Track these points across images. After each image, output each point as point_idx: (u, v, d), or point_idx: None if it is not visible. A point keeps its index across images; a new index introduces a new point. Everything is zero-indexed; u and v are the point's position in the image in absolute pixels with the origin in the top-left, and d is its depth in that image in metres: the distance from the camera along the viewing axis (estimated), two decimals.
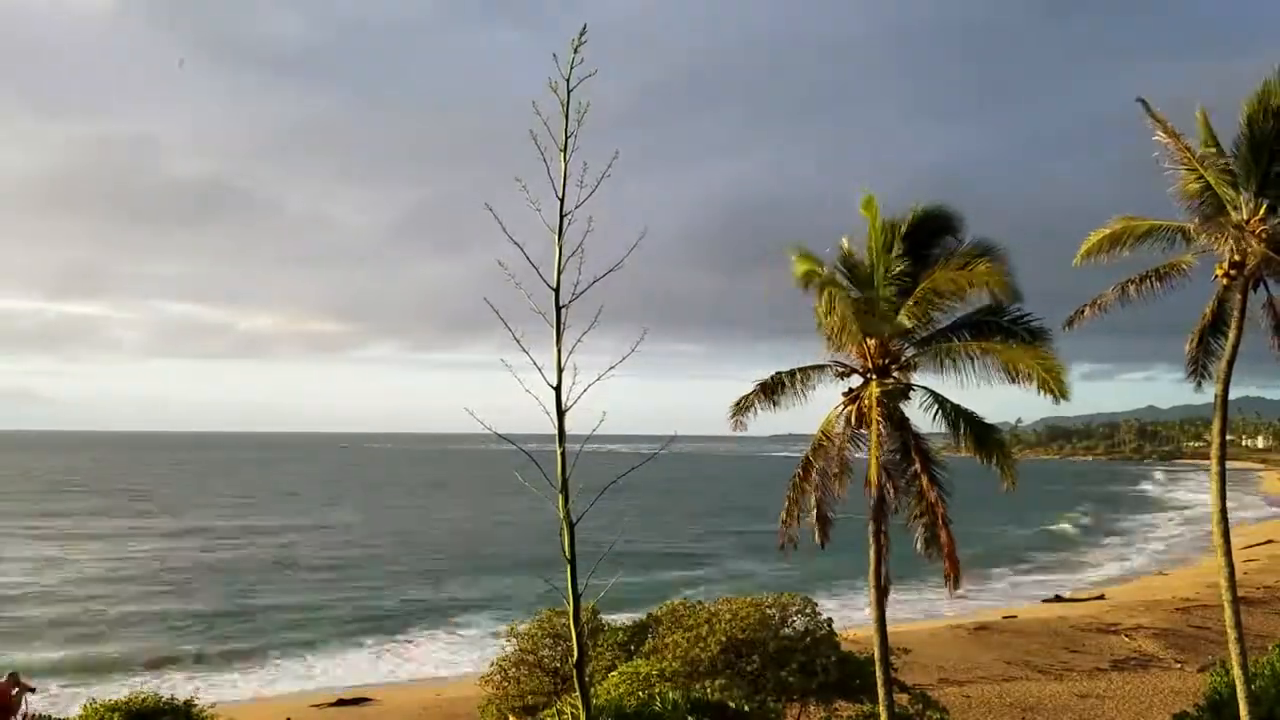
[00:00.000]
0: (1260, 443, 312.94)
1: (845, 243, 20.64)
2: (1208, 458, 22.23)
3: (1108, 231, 20.78)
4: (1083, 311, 21.21)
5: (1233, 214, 19.86)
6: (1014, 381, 18.83)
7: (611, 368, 5.43)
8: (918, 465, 19.59)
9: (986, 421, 19.85)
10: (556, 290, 5.20)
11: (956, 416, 19.71)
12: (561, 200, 5.14)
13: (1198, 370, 21.11)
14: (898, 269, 19.53)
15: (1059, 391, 18.38)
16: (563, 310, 5.20)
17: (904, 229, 19.78)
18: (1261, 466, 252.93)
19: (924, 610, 56.99)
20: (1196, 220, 20.22)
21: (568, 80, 5.13)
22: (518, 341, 5.14)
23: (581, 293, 5.17)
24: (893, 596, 20.73)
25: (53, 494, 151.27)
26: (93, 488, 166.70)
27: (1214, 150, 19.90)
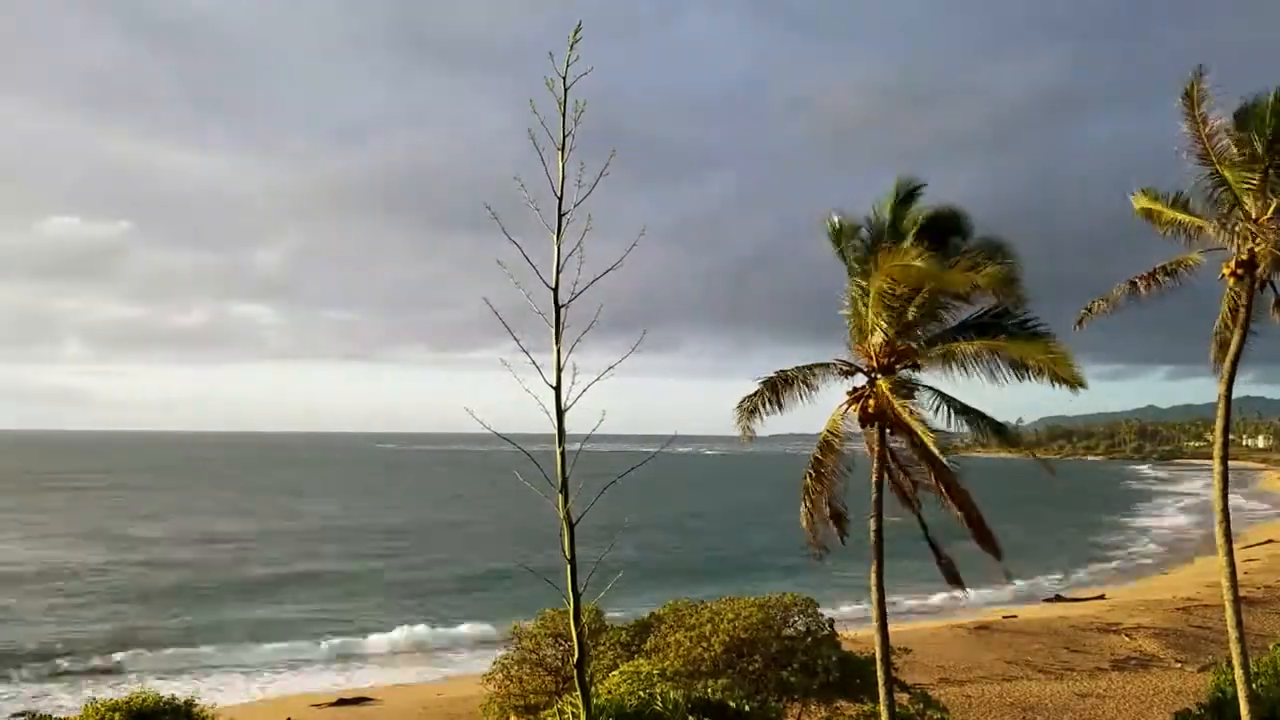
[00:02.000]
0: (1261, 442, 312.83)
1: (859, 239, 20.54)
2: (1208, 458, 22.23)
3: (1143, 204, 20.75)
4: (1092, 309, 21.09)
5: (1248, 211, 19.73)
6: (1023, 378, 18.67)
7: (611, 368, 5.42)
8: (924, 464, 19.59)
9: (995, 419, 19.82)
10: (555, 290, 5.19)
11: (964, 414, 19.66)
12: (560, 199, 5.13)
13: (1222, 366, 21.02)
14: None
15: (1072, 380, 18.12)
16: (562, 310, 5.19)
17: (916, 228, 19.67)
18: (1262, 466, 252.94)
19: (924, 610, 57.02)
20: (1215, 220, 20.10)
21: (564, 78, 5.11)
22: (517, 341, 5.13)
23: (580, 292, 5.16)
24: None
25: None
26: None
27: (1238, 143, 19.71)
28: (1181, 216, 20.39)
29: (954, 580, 20.66)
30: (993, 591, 62.95)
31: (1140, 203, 20.81)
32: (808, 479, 20.06)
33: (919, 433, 18.49)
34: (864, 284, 19.58)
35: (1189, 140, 19.93)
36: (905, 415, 18.61)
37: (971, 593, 59.52)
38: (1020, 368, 18.80)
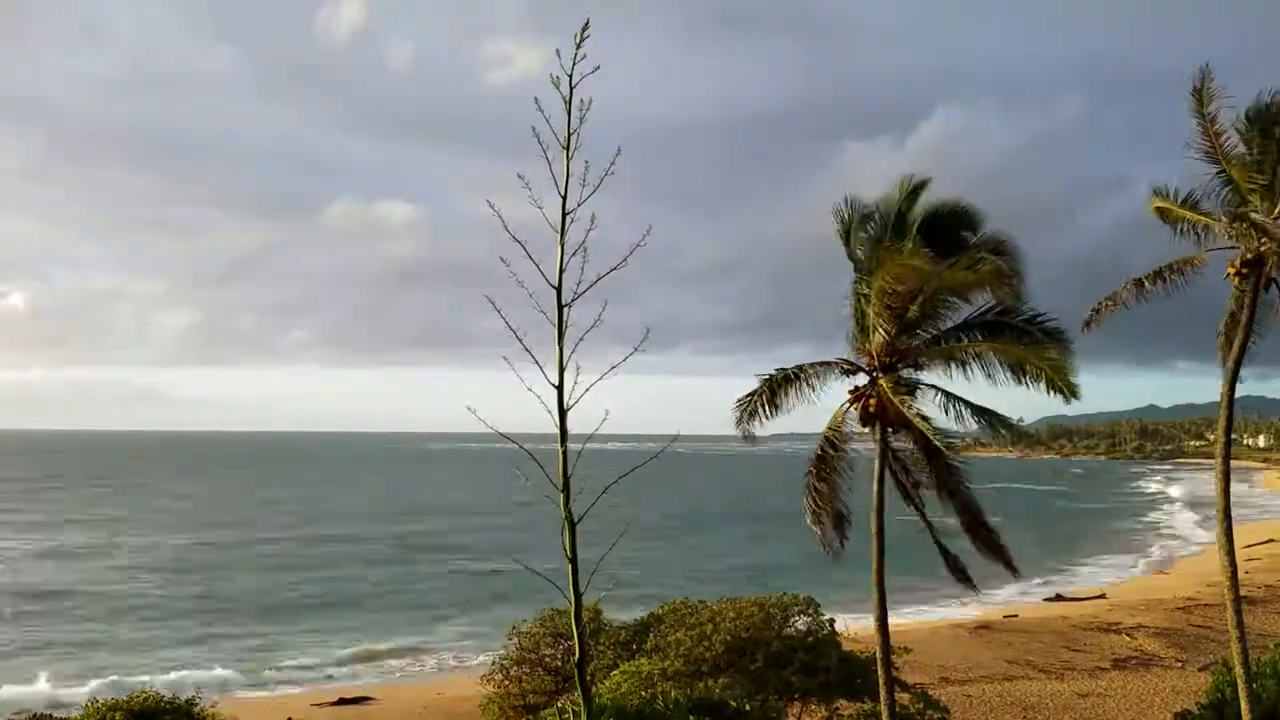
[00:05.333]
0: (1262, 441, 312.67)
1: (862, 234, 20.50)
2: (1209, 457, 22.27)
3: (1156, 204, 20.77)
4: (1099, 310, 21.03)
5: (1257, 208, 19.70)
6: (1020, 381, 18.73)
7: (613, 367, 5.42)
8: (926, 463, 19.59)
9: (1000, 414, 19.82)
10: (559, 289, 5.18)
11: (972, 413, 19.64)
12: (564, 198, 5.12)
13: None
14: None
15: (1068, 391, 18.26)
16: (565, 309, 5.19)
17: (918, 223, 19.62)
18: (1263, 465, 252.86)
19: (925, 609, 57.01)
20: (1224, 219, 20.06)
21: (570, 76, 5.11)
22: (519, 340, 5.12)
23: (583, 292, 5.16)
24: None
25: None
26: None
27: (1245, 145, 19.69)
28: (1190, 215, 20.36)
29: (964, 580, 20.70)
30: (996, 590, 62.96)
31: (1154, 203, 20.78)
32: (811, 478, 20.02)
33: (922, 429, 18.47)
34: (868, 282, 19.56)
35: (1197, 137, 19.93)
36: (907, 413, 18.60)
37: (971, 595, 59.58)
38: (1019, 371, 18.81)
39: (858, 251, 20.24)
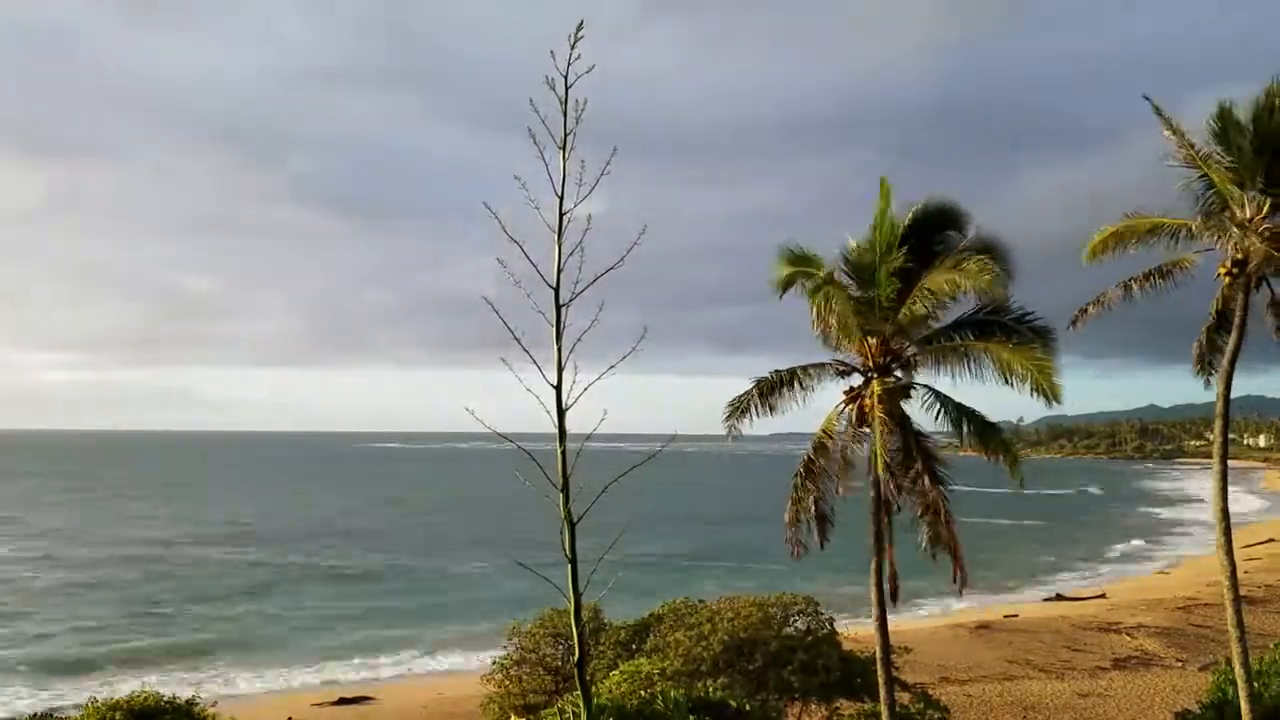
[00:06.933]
0: (1262, 441, 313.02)
1: (852, 241, 20.40)
2: (1209, 457, 22.23)
3: (1112, 230, 20.74)
4: (1086, 310, 21.12)
5: (1236, 212, 19.81)
6: (1008, 382, 18.75)
7: (612, 366, 5.42)
8: (919, 464, 19.56)
9: (988, 419, 19.80)
10: (556, 289, 5.19)
11: (959, 414, 19.64)
12: (560, 198, 5.14)
13: (1204, 368, 21.06)
14: (899, 266, 19.31)
15: (1051, 394, 18.26)
16: (563, 310, 5.20)
17: (906, 225, 19.65)
18: (1263, 465, 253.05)
19: (925, 609, 57.03)
20: (1200, 218, 20.17)
21: (565, 77, 5.12)
22: (518, 341, 5.13)
23: (581, 291, 5.17)
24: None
25: None
26: None
27: (1221, 148, 19.81)
28: (1168, 221, 20.43)
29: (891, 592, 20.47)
30: (992, 591, 63.05)
31: (1115, 226, 20.75)
32: (798, 478, 20.10)
33: (910, 432, 18.58)
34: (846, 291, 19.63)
35: (1173, 147, 20.02)
36: (887, 419, 18.65)
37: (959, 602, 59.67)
38: (1007, 372, 18.83)
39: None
